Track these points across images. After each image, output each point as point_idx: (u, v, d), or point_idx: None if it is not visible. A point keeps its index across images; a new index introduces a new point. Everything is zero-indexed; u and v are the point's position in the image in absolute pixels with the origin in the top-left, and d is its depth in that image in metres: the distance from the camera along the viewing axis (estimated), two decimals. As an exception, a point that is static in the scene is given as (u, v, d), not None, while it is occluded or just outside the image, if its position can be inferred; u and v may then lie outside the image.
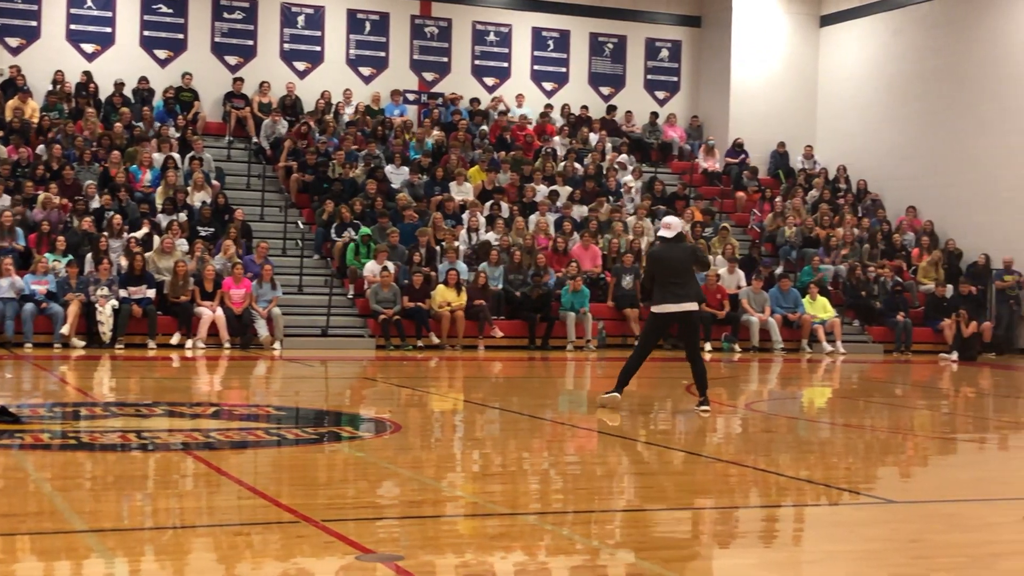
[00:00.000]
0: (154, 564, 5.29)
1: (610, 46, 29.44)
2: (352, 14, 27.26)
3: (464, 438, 10.27)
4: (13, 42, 24.67)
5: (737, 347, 21.89)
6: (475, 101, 27.48)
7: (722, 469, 8.45)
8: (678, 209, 25.55)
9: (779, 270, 24.09)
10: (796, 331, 22.56)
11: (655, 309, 11.85)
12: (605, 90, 29.33)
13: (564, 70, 29.06)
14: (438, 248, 21.94)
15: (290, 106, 25.77)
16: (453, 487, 7.51)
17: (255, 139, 25.07)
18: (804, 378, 18.49)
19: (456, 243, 22.04)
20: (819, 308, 22.73)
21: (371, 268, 20.81)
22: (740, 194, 27.29)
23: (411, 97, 27.50)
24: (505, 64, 28.53)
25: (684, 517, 6.81)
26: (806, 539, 6.47)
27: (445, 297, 20.70)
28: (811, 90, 29.48)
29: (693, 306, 11.64)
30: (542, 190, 24.80)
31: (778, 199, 26.60)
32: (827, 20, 29.35)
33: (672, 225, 11.92)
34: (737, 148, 28.36)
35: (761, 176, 28.16)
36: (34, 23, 24.88)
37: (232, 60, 26.26)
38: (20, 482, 7.21)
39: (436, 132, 25.94)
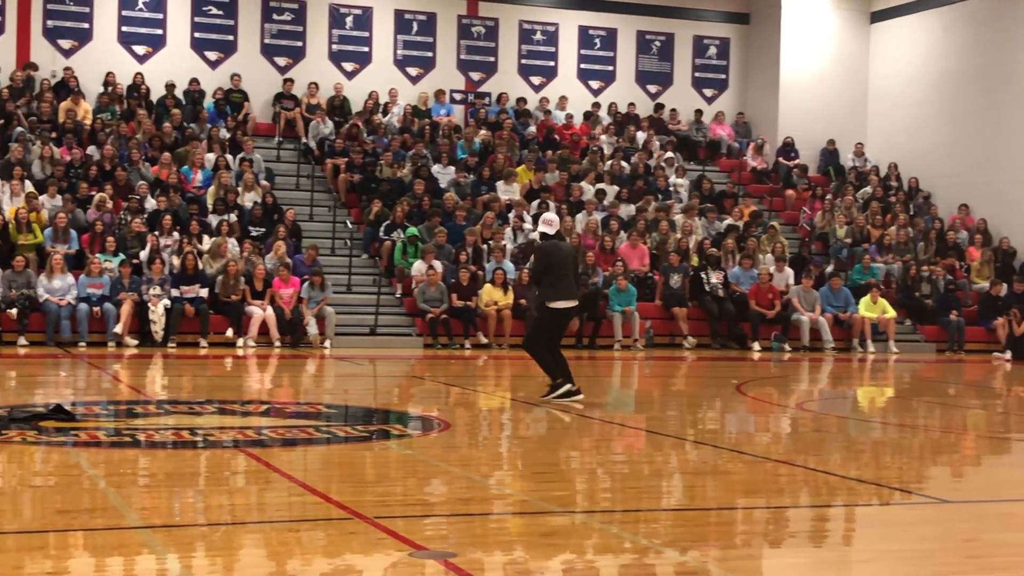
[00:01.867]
0: (205, 560, 5.33)
1: (657, 44, 29.35)
2: (400, 14, 27.35)
3: (512, 436, 10.28)
4: (66, 44, 24.96)
5: (787, 346, 21.76)
6: (521, 100, 27.49)
7: (772, 468, 8.41)
8: (726, 207, 25.46)
9: (830, 269, 23.92)
10: (847, 330, 22.38)
11: (555, 305, 11.83)
12: (652, 88, 29.24)
13: (611, 68, 29.01)
14: (485, 247, 21.97)
15: (338, 107, 25.90)
16: (502, 485, 7.52)
17: (304, 139, 25.22)
18: (855, 377, 18.35)
19: (503, 242, 22.06)
20: (878, 310, 22.52)
21: (419, 267, 20.87)
22: (789, 192, 27.12)
23: (458, 97, 27.56)
24: (552, 63, 28.52)
25: (734, 516, 6.78)
26: (858, 539, 6.42)
27: (492, 296, 20.72)
28: (861, 87, 29.24)
29: (576, 302, 11.97)
30: (589, 189, 24.77)
31: (828, 197, 26.41)
32: (877, 16, 29.11)
33: (553, 222, 12.20)
34: (786, 146, 28.19)
35: (811, 174, 27.98)
36: (86, 25, 25.16)
37: (281, 61, 26.43)
38: (75, 479, 7.30)
39: (483, 132, 25.97)
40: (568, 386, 11.84)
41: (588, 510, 6.73)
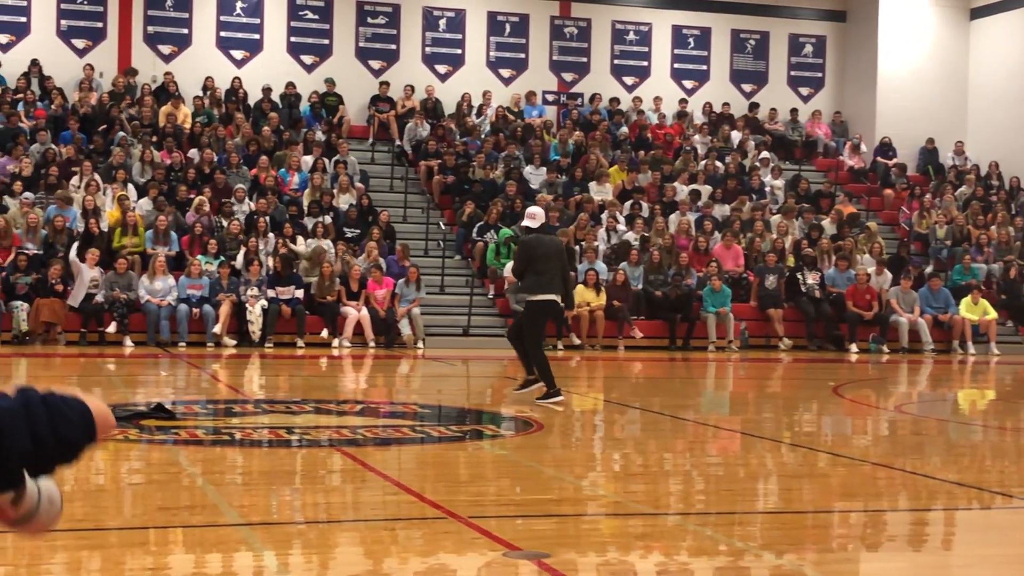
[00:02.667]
0: (301, 558, 5.40)
1: (752, 42, 29.09)
2: (492, 16, 27.45)
3: (605, 438, 10.26)
4: (165, 49, 25.44)
5: (885, 348, 21.42)
6: (614, 100, 27.42)
7: (870, 472, 8.29)
8: (823, 207, 25.15)
9: (929, 269, 23.51)
10: (947, 332, 21.98)
11: (535, 298, 11.62)
12: (747, 87, 28.98)
13: (705, 68, 28.81)
14: (577, 248, 21.95)
15: (431, 109, 26.06)
16: (595, 486, 7.51)
17: (398, 142, 25.42)
18: (955, 380, 18.01)
19: (595, 243, 22.02)
20: (979, 311, 22.10)
21: (511, 268, 20.90)
22: (888, 192, 26.71)
23: (550, 98, 27.58)
24: (645, 63, 28.40)
25: (831, 520, 6.70)
26: (957, 543, 6.31)
27: (584, 297, 20.69)
28: (961, 84, 28.70)
29: (559, 297, 11.68)
30: (683, 189, 24.63)
31: (927, 197, 25.96)
32: (977, 13, 28.54)
33: (537, 215, 11.97)
34: (884, 145, 27.76)
35: (909, 173, 27.52)
36: (185, 31, 25.62)
37: (376, 64, 26.67)
38: (175, 476, 7.43)
39: (575, 132, 25.96)
40: (545, 387, 11.58)
41: (682, 512, 6.69)
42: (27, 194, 20.02)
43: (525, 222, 12.06)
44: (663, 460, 8.77)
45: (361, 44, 26.65)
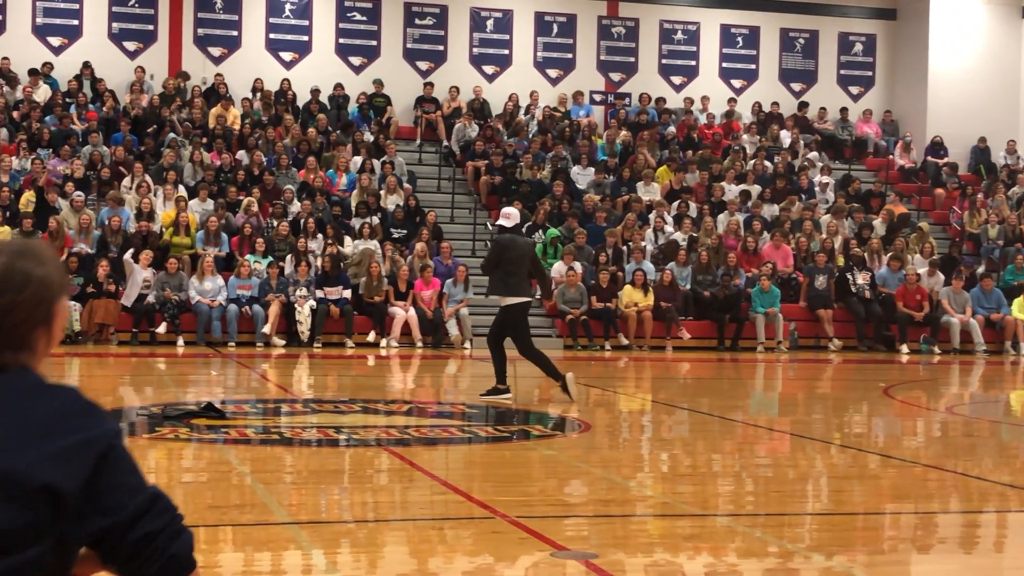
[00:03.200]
0: (349, 557, 5.42)
1: (801, 41, 28.90)
2: (540, 16, 27.44)
3: (653, 438, 10.23)
4: (215, 51, 25.65)
5: (936, 349, 21.20)
6: (662, 100, 27.34)
7: (921, 473, 8.21)
8: (873, 207, 24.95)
9: (981, 269, 23.24)
10: (999, 333, 21.73)
11: (510, 302, 11.70)
12: (796, 86, 28.80)
13: (753, 67, 28.66)
14: (625, 248, 21.91)
15: (478, 109, 26.10)
16: (643, 487, 7.48)
17: (445, 142, 25.48)
18: (1007, 381, 17.80)
19: (643, 243, 21.96)
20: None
21: (559, 268, 20.89)
22: (939, 191, 26.44)
23: (597, 98, 27.53)
24: (693, 62, 28.29)
25: (882, 522, 6.64)
26: (1009, 546, 6.23)
27: (632, 297, 20.64)
28: (1013, 83, 28.36)
29: (530, 298, 11.80)
30: (731, 189, 24.52)
31: (979, 196, 25.68)
32: (1031, 9, 28.22)
33: (511, 216, 11.99)
34: (935, 144, 27.49)
35: (960, 172, 27.23)
36: (235, 33, 25.81)
37: (423, 65, 26.74)
38: (225, 475, 7.49)
39: (623, 132, 25.90)
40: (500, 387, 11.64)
41: (732, 513, 6.66)
42: (78, 194, 20.24)
43: (500, 221, 12.15)
44: (711, 461, 8.73)
45: (409, 45, 26.73)
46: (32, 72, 23.70)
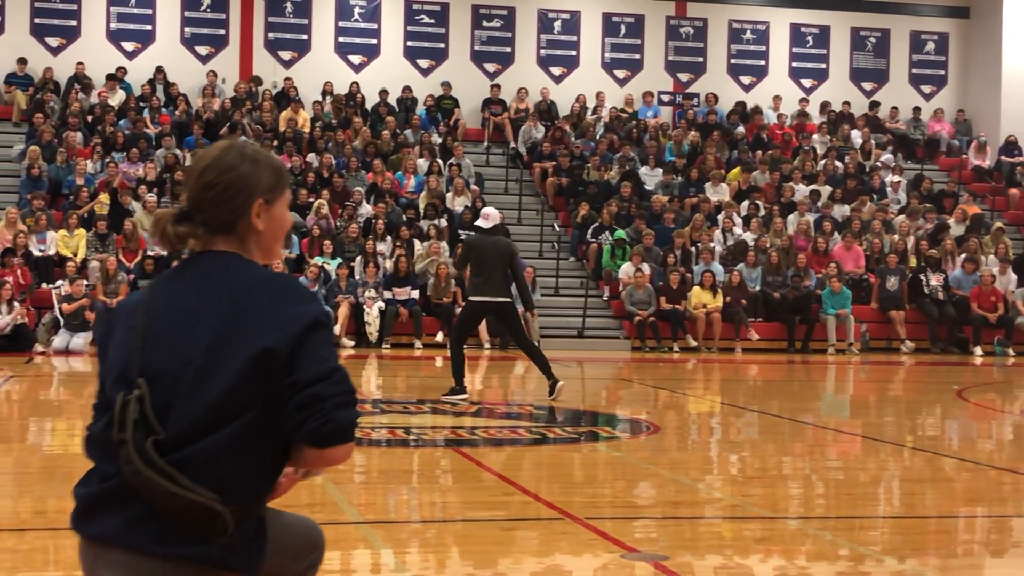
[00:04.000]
0: (418, 556, 5.45)
1: (872, 40, 28.60)
2: (607, 17, 27.40)
3: (722, 440, 10.17)
4: (285, 55, 25.89)
5: (1011, 351, 20.87)
6: (731, 101, 27.17)
7: (995, 477, 8.09)
8: (946, 207, 24.61)
9: (1056, 270, 22.84)
10: (1075, 334, 21.35)
11: (473, 299, 11.86)
12: (867, 85, 28.50)
13: (824, 66, 28.41)
14: (693, 249, 21.80)
15: (545, 111, 26.11)
16: (712, 489, 7.44)
17: (512, 144, 25.51)
18: (1085, 384, 17.47)
19: (711, 244, 21.84)
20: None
21: (626, 270, 20.84)
22: (1013, 191, 26.03)
23: (665, 98, 27.43)
24: (762, 62, 28.11)
25: (955, 525, 6.55)
26: (1089, 552, 6.12)
27: (701, 299, 20.53)
28: (1091, 80, 27.84)
29: (505, 298, 11.65)
30: (801, 189, 24.31)
31: (1055, 196, 25.25)
32: (1109, 5, 27.68)
33: (490, 216, 12.01)
34: (1009, 144, 27.06)
35: (1036, 172, 26.79)
36: (304, 37, 26.05)
37: (490, 67, 26.81)
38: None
39: (691, 133, 25.78)
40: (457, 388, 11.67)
41: (802, 516, 6.60)
42: (151, 196, 20.53)
43: (478, 222, 12.23)
44: (781, 463, 8.66)
45: (476, 47, 26.81)
46: (109, 77, 24.09)
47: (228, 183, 2.70)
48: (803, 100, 27.65)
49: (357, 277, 19.82)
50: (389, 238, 20.81)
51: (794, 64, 28.23)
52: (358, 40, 26.25)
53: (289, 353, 2.56)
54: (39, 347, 17.33)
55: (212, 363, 2.56)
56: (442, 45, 26.63)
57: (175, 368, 2.57)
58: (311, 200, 21.53)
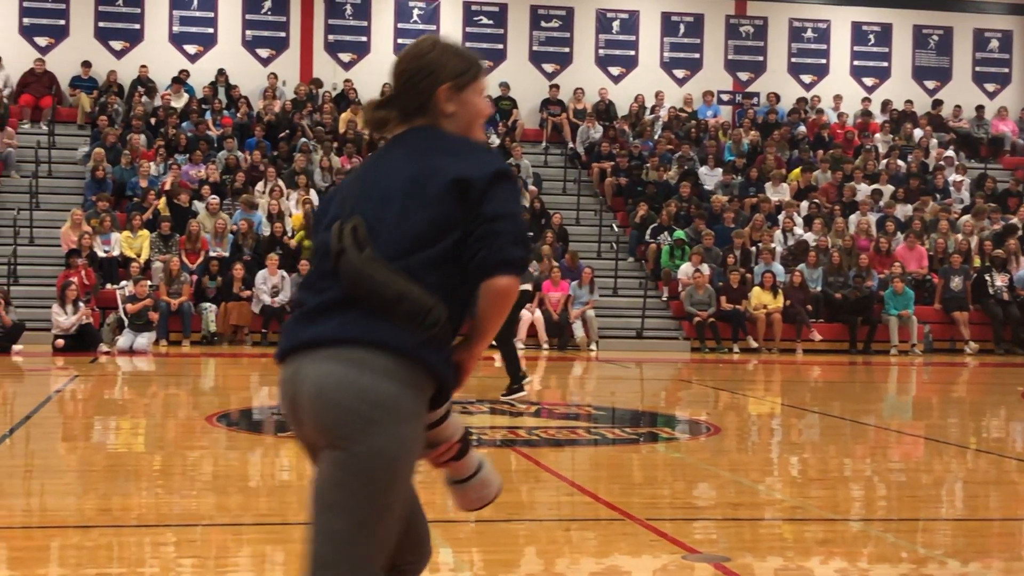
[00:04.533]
0: (478, 555, 5.45)
1: (935, 38, 28.27)
2: (666, 17, 27.30)
3: (783, 442, 10.10)
4: (345, 57, 26.06)
5: (1077, 352, 20.56)
6: (791, 99, 26.97)
7: (1063, 480, 7.96)
8: (1011, 206, 24.27)
9: (1124, 270, 22.45)
10: None
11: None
12: (930, 84, 28.18)
13: (886, 64, 28.12)
14: (753, 249, 21.66)
15: (603, 111, 26.06)
16: (773, 490, 7.39)
17: (570, 144, 25.49)
18: None
19: (772, 244, 21.69)
20: None
21: (686, 270, 20.75)
22: (1080, 190, 25.61)
23: (725, 98, 27.29)
24: (823, 61, 27.88)
25: (1019, 528, 6.46)
26: None
27: (761, 299, 20.39)
28: None
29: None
30: (863, 189, 24.07)
31: (1123, 194, 24.81)
32: None
33: None
34: (1076, 141, 26.67)
35: (1104, 170, 26.36)
36: (364, 39, 26.20)
37: (549, 68, 26.81)
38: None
39: (752, 132, 25.63)
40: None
41: (864, 517, 6.54)
42: (214, 198, 20.73)
43: None
44: (843, 465, 8.58)
45: (535, 47, 26.82)
46: (175, 80, 24.37)
47: (416, 69, 3.05)
48: (865, 99, 27.40)
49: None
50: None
51: (856, 63, 27.98)
52: (417, 41, 26.32)
53: (482, 188, 2.88)
54: (104, 347, 17.56)
55: (416, 193, 2.89)
56: (500, 46, 26.67)
57: (384, 199, 2.93)
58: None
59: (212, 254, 19.81)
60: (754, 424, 11.30)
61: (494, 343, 12.28)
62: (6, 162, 22.44)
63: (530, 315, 19.64)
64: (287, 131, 23.65)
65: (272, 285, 19.21)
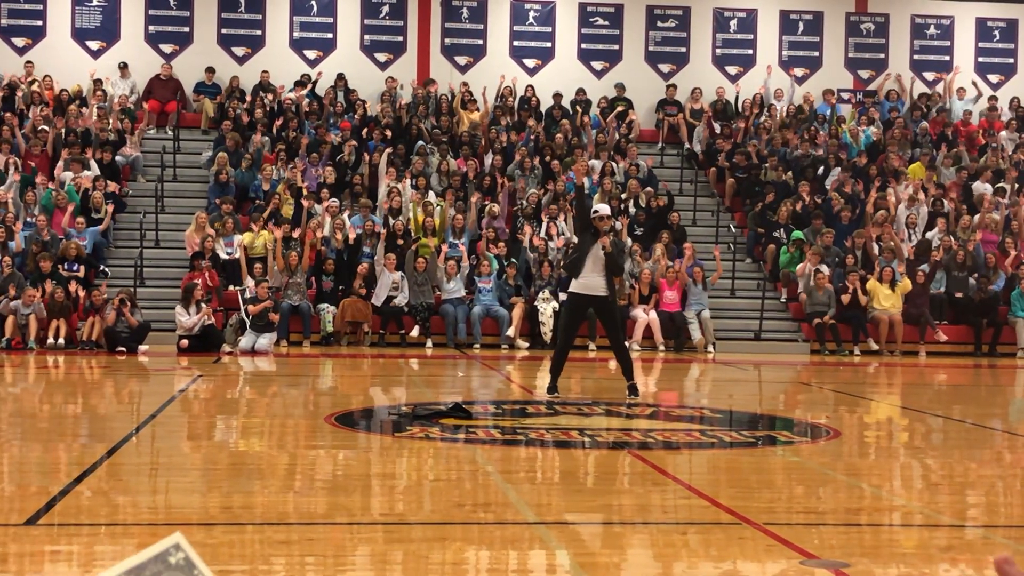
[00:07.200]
0: (594, 558, 5.44)
1: (1064, 32, 27.46)
2: (785, 15, 26.96)
3: (906, 446, 9.90)
4: (462, 60, 26.23)
5: None
6: (915, 96, 26.44)
7: None
8: None
9: None
10: None
11: (569, 291, 12.03)
12: (1059, 79, 27.40)
13: (1011, 61, 27.41)
14: (875, 249, 21.26)
15: (720, 110, 25.83)
16: (894, 496, 7.25)
17: (687, 144, 25.32)
18: None
19: (893, 244, 21.27)
20: None
21: (804, 270, 20.45)
22: None
23: (846, 96, 26.85)
24: (947, 57, 27.27)
25: None
26: None
27: (883, 301, 20.01)
28: None
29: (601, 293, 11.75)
30: (989, 188, 23.48)
31: None
32: None
33: (600, 210, 11.97)
34: None
35: None
36: (480, 42, 26.34)
37: (665, 68, 26.66)
38: (471, 474, 7.64)
39: (873, 130, 25.17)
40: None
41: (988, 524, 6.38)
42: (333, 200, 21.02)
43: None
44: (967, 470, 8.38)
45: (651, 48, 26.69)
46: (298, 83, 24.80)
47: None
48: (992, 97, 26.74)
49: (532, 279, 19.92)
50: (562, 238, 20.87)
51: (980, 59, 27.32)
52: (533, 44, 26.41)
53: None
54: (227, 347, 17.93)
55: None
56: (616, 47, 26.60)
57: None
58: (486, 202, 21.75)
59: (331, 256, 20.08)
60: (874, 428, 11.10)
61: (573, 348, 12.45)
62: (133, 166, 23.04)
63: (645, 316, 19.56)
64: (404, 134, 23.88)
65: (392, 281, 19.43)
